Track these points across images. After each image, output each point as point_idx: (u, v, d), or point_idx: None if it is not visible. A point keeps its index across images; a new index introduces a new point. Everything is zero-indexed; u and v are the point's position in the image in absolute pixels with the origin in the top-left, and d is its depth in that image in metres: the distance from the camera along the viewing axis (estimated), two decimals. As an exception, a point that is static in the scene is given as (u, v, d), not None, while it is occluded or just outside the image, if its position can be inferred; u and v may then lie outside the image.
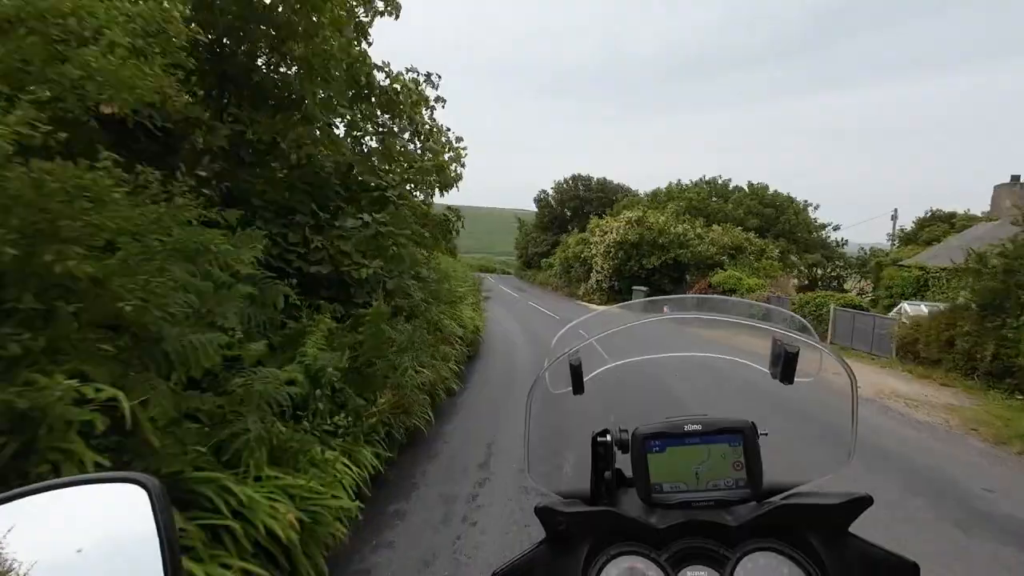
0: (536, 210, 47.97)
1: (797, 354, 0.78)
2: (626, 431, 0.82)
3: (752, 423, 0.78)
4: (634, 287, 24.57)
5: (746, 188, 36.55)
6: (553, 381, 0.88)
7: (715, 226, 28.59)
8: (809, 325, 0.81)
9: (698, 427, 0.78)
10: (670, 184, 39.33)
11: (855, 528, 0.73)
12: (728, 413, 0.80)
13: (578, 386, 0.87)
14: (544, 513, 0.78)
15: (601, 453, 0.86)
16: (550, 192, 46.85)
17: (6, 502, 0.48)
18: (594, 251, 27.87)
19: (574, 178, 46.36)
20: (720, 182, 38.21)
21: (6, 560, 0.45)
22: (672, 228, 26.38)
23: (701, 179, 38.95)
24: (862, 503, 0.72)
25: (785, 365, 0.79)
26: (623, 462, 0.84)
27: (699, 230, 27.13)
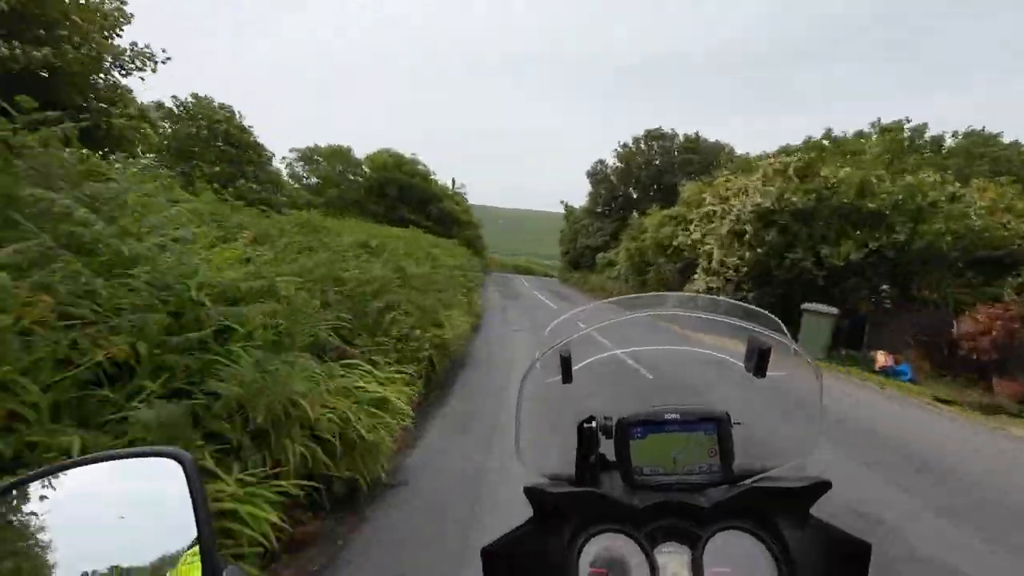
0: (589, 191, 32.54)
1: (770, 350, 0.85)
2: (610, 418, 0.89)
3: (727, 413, 0.85)
4: (806, 307, 10.99)
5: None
6: (544, 370, 0.94)
7: (976, 182, 14.04)
8: (782, 325, 0.88)
9: (677, 416, 0.85)
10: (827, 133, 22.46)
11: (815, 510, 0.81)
12: (706, 404, 0.87)
13: (567, 376, 0.93)
14: (532, 493, 0.84)
15: (586, 438, 0.93)
16: (609, 162, 31.20)
17: (54, 474, 0.52)
18: (702, 232, 15.23)
19: (649, 137, 30.21)
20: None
21: (58, 526, 0.50)
22: (889, 184, 12.06)
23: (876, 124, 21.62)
24: (822, 487, 0.79)
25: (759, 360, 0.86)
26: (606, 447, 0.91)
27: (956, 186, 12.76)
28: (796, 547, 0.78)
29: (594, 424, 0.93)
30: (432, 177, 31.13)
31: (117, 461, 0.55)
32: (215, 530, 0.54)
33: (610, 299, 0.99)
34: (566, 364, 0.93)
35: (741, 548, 0.79)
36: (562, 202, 35.84)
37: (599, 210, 30.83)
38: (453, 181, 35.68)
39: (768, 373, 0.87)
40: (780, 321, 0.89)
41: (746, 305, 0.93)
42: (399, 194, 28.03)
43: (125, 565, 0.52)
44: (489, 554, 0.85)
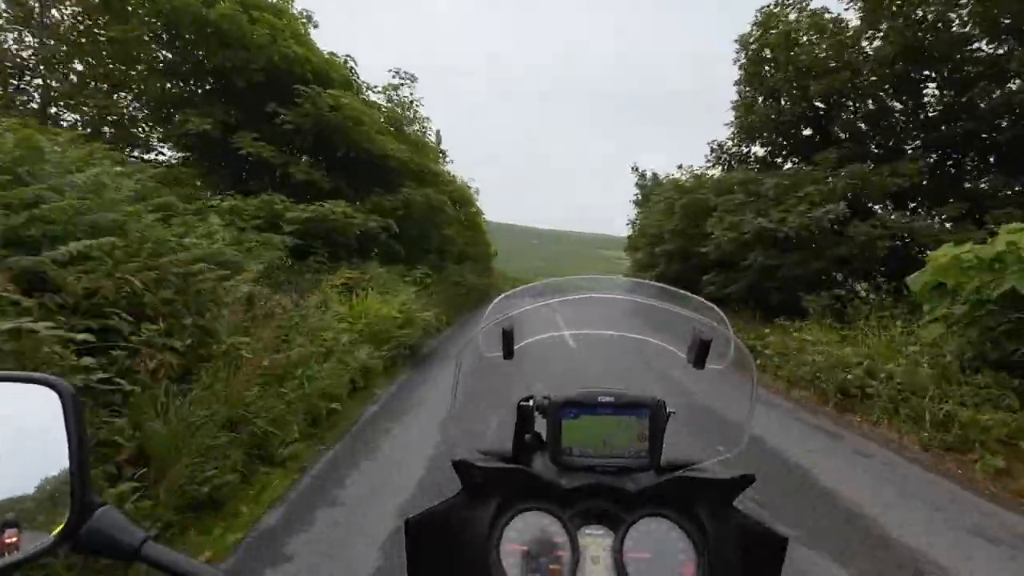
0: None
1: (710, 342, 0.85)
2: (548, 398, 0.87)
3: (661, 401, 0.85)
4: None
5: None
6: (486, 344, 0.93)
7: None
8: (725, 318, 0.88)
9: (611, 399, 0.84)
10: None
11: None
12: (642, 390, 0.87)
13: (508, 351, 0.92)
14: (461, 466, 0.83)
15: (525, 416, 0.92)
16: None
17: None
18: None
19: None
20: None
21: None
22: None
23: None
24: (745, 481, 0.80)
25: (699, 351, 0.86)
26: (543, 427, 0.90)
27: None
28: (716, 537, 0.78)
29: (532, 403, 0.92)
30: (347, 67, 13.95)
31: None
32: (90, 467, 0.50)
33: (556, 279, 0.97)
34: (508, 339, 0.91)
35: (663, 535, 0.79)
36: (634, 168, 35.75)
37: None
38: (438, 133, 20.44)
39: (707, 365, 0.87)
40: (722, 313, 0.89)
41: (691, 295, 0.93)
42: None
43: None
44: (413, 524, 0.84)
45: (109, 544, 0.50)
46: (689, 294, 0.93)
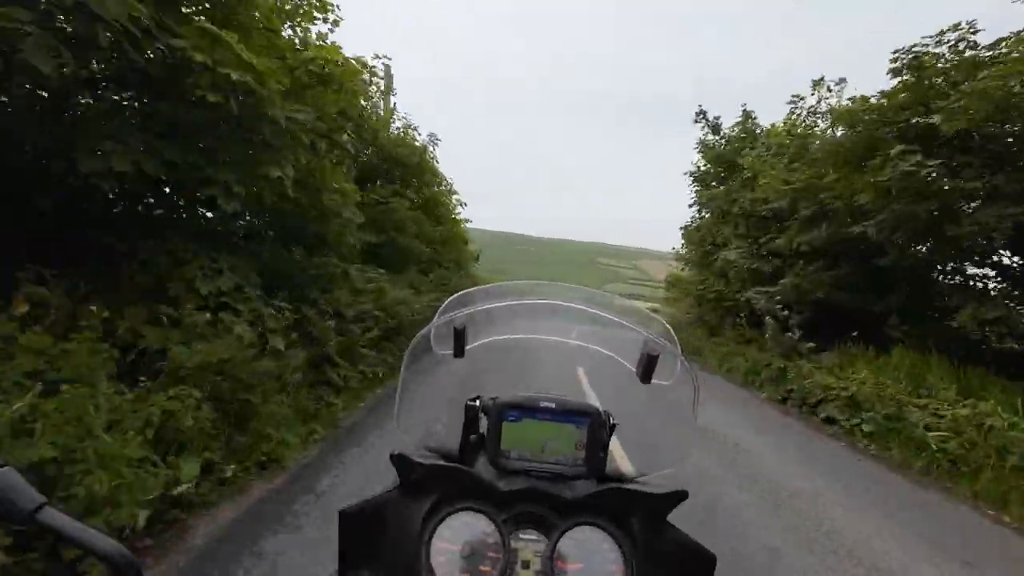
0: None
1: (657, 358, 0.87)
2: (494, 399, 0.87)
3: (603, 411, 0.86)
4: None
5: None
6: (438, 342, 0.92)
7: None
8: (674, 335, 0.91)
9: (553, 405, 0.85)
10: None
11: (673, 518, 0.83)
12: (584, 399, 0.88)
13: (459, 350, 0.92)
14: (399, 460, 0.82)
15: (472, 417, 0.92)
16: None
17: None
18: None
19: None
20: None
21: None
22: None
23: None
24: (679, 496, 0.82)
25: (646, 366, 0.88)
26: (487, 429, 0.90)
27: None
28: (647, 550, 0.80)
29: (479, 403, 0.92)
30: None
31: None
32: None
33: (511, 282, 0.98)
34: (459, 338, 0.91)
35: (595, 544, 0.80)
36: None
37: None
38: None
39: (653, 380, 0.89)
40: (671, 329, 0.91)
41: (644, 309, 0.95)
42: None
43: None
44: (346, 515, 0.83)
45: (3, 506, 0.47)
46: (642, 308, 0.95)
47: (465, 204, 16.87)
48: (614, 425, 0.88)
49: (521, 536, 0.80)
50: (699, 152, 16.70)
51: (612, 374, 0.97)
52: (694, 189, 16.94)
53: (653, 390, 0.91)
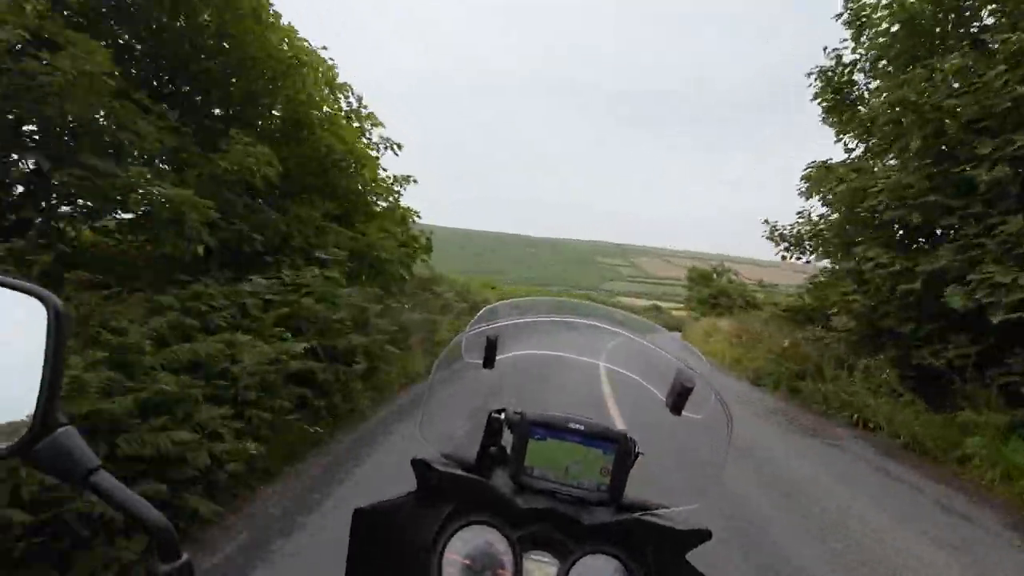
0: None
1: (691, 390, 0.85)
2: (520, 414, 0.87)
3: (631, 439, 0.84)
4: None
5: None
6: (469, 350, 0.93)
7: None
8: (707, 364, 0.89)
9: (581, 427, 0.84)
10: None
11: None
12: (613, 424, 0.86)
13: (489, 360, 0.92)
14: (419, 465, 0.82)
15: (494, 429, 0.91)
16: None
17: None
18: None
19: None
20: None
21: None
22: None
23: None
24: (701, 535, 0.79)
25: (678, 397, 0.86)
26: (510, 442, 0.89)
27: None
28: None
29: (503, 416, 0.92)
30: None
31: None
32: (61, 385, 0.50)
33: (544, 298, 0.98)
34: (490, 348, 0.91)
35: (608, 574, 0.78)
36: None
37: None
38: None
39: (684, 412, 0.87)
40: (707, 362, 0.89)
41: (683, 341, 0.94)
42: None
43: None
44: (361, 514, 0.83)
45: (60, 465, 0.50)
46: (678, 338, 0.93)
47: (395, 147, 9.26)
48: (639, 453, 0.86)
49: (534, 556, 0.79)
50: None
51: (639, 399, 0.96)
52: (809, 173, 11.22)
53: (682, 421, 0.89)
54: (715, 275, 35.87)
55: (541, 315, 0.95)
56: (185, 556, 0.52)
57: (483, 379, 0.95)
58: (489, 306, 1.00)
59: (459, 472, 0.83)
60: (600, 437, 0.84)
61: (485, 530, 0.80)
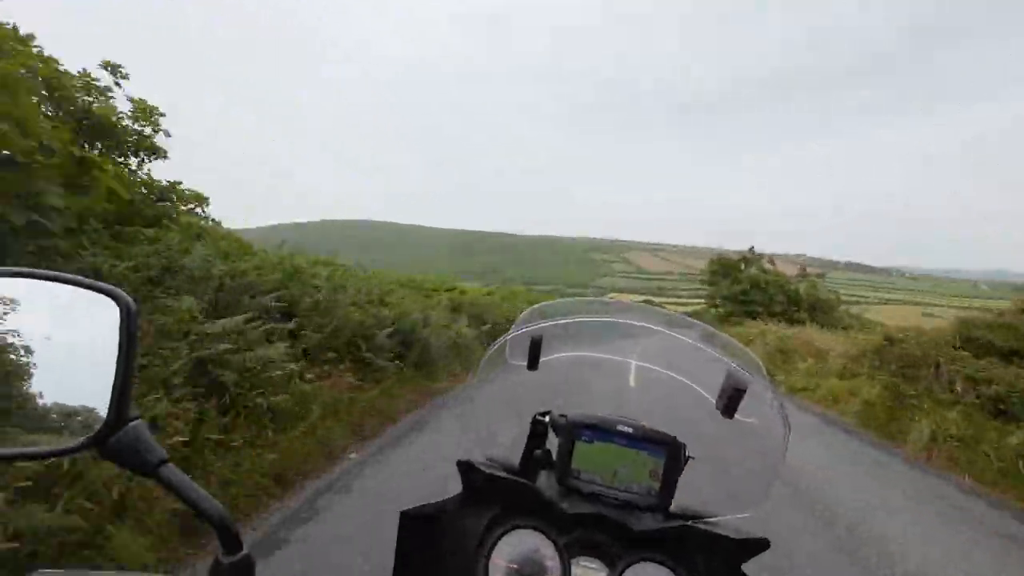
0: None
1: (744, 392, 0.82)
2: (565, 416, 0.86)
3: (681, 443, 0.82)
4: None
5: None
6: (513, 352, 0.92)
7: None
8: (763, 366, 0.85)
9: (630, 429, 0.82)
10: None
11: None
12: (662, 427, 0.84)
13: (533, 362, 0.91)
14: (466, 467, 0.82)
15: (538, 432, 0.91)
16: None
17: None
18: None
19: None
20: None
21: None
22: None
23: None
24: (758, 545, 0.76)
25: (730, 399, 0.83)
26: (554, 445, 0.88)
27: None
28: None
29: (548, 419, 0.91)
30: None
31: (55, 283, 0.54)
32: (132, 381, 0.53)
33: (585, 299, 0.97)
34: (535, 349, 0.91)
35: None
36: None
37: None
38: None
39: (736, 416, 0.84)
40: (760, 362, 0.86)
41: (734, 341, 0.91)
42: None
43: (35, 389, 0.52)
44: (407, 517, 0.83)
45: (132, 457, 0.52)
46: (729, 338, 0.91)
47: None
48: (689, 458, 0.84)
49: (582, 562, 0.77)
50: None
51: (686, 402, 0.93)
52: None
53: (733, 425, 0.86)
54: (743, 265, 27.57)
55: (586, 315, 0.94)
56: (246, 550, 0.53)
57: (526, 381, 0.94)
58: (533, 307, 1.00)
59: (505, 475, 0.83)
60: (649, 440, 0.82)
61: (531, 535, 0.79)
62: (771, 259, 27.63)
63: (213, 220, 8.03)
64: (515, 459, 0.91)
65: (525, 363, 0.92)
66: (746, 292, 25.63)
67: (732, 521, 0.82)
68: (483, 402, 0.96)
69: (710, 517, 0.82)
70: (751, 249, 29.32)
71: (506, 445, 0.93)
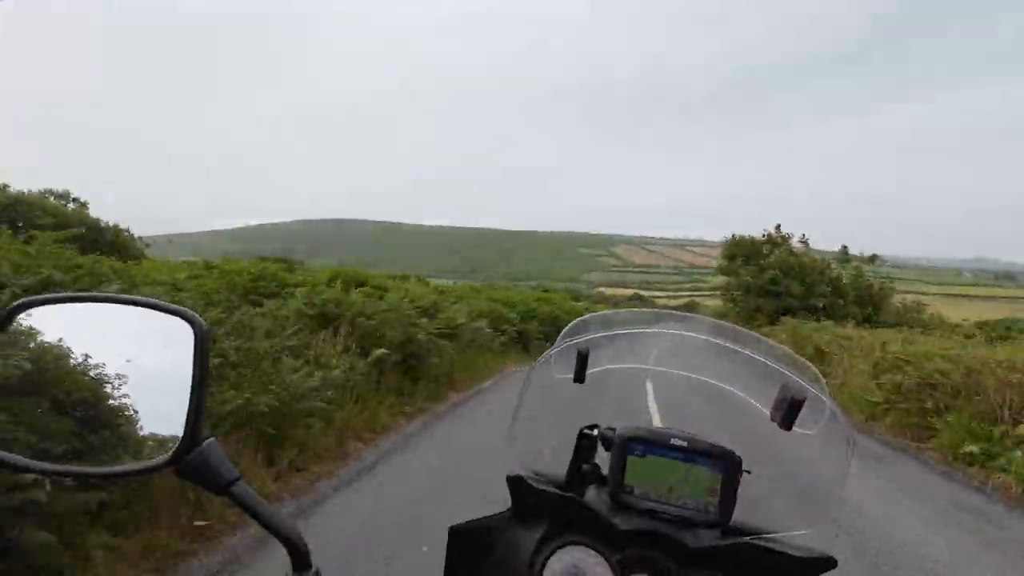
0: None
1: (803, 403, 0.79)
2: (613, 430, 0.84)
3: (738, 456, 0.80)
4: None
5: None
6: (558, 365, 0.92)
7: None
8: (822, 377, 0.82)
9: (684, 443, 0.79)
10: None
11: None
12: (718, 440, 0.82)
13: (580, 375, 0.90)
14: (516, 483, 0.81)
15: (585, 446, 0.89)
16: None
17: (75, 301, 0.54)
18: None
19: None
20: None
21: (71, 349, 0.52)
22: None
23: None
24: (824, 564, 0.73)
25: (788, 411, 0.80)
26: (602, 460, 0.86)
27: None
28: None
29: (596, 432, 0.89)
30: None
31: (133, 306, 0.57)
32: (205, 401, 0.54)
33: (629, 310, 0.96)
34: (582, 361, 0.89)
35: None
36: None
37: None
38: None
39: (794, 428, 0.82)
40: (819, 373, 0.83)
41: (786, 349, 0.88)
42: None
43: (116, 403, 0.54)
44: (457, 533, 0.82)
45: (207, 476, 0.53)
46: (784, 347, 0.88)
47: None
48: (746, 472, 0.81)
49: None
50: None
51: (738, 413, 0.91)
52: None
53: (790, 438, 0.83)
54: (767, 248, 21.99)
55: (632, 327, 0.93)
56: (315, 567, 0.54)
57: (570, 394, 0.93)
58: (580, 318, 0.99)
59: (556, 490, 0.81)
60: (706, 454, 0.79)
61: (582, 552, 0.77)
62: (803, 238, 21.84)
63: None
64: (561, 474, 0.90)
65: (571, 375, 0.91)
66: (775, 281, 20.53)
67: (794, 538, 0.79)
68: (528, 415, 0.96)
69: (769, 533, 0.80)
70: (778, 227, 23.28)
71: (551, 460, 0.91)
